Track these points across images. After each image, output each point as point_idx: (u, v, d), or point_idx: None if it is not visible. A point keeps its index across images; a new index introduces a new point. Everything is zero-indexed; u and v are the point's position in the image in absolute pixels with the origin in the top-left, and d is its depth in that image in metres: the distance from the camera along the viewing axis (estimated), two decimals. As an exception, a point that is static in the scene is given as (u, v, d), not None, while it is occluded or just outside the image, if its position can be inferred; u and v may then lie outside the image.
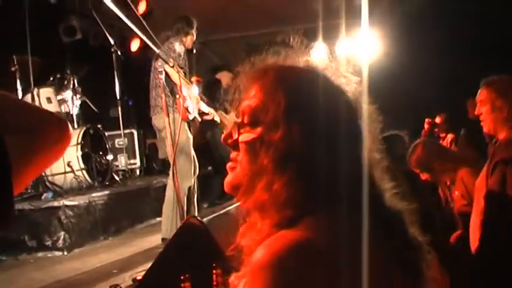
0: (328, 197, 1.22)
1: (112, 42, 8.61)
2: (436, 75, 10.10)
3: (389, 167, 1.38)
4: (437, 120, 9.15)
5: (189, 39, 6.78)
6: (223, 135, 1.42)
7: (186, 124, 6.34)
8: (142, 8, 10.17)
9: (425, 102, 10.08)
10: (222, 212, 3.27)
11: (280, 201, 1.22)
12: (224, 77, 9.47)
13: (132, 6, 4.91)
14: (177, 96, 5.97)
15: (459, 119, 8.82)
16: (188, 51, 6.83)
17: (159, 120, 6.28)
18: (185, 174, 6.24)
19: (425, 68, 9.96)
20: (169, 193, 6.21)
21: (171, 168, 5.73)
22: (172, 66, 5.22)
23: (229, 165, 1.39)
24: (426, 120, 9.08)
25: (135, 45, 10.19)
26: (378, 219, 1.23)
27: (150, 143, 11.04)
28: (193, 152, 6.58)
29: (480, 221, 3.33)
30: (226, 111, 9.18)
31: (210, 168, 10.69)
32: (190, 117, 6.41)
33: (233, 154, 1.38)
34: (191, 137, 6.50)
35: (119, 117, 9.43)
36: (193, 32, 6.88)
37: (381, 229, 1.23)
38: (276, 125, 1.28)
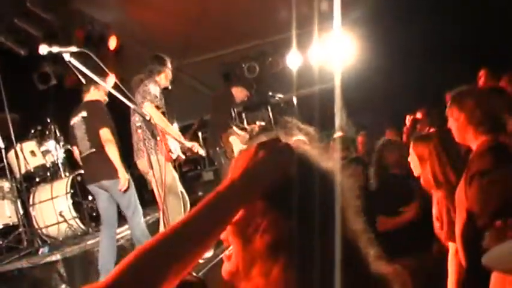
0: (322, 280, 1.28)
1: (83, 81, 8.93)
2: (411, 75, 10.43)
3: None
4: (418, 115, 9.48)
5: (163, 78, 7.07)
6: None
7: (169, 164, 6.69)
8: (113, 43, 10.54)
9: (403, 100, 10.42)
10: (217, 260, 3.47)
11: (277, 285, 1.30)
12: (239, 93, 9.71)
13: (103, 66, 5.14)
14: (158, 138, 6.30)
15: (440, 114, 9.16)
16: (165, 90, 7.18)
17: (143, 163, 6.60)
18: (176, 212, 6.59)
19: (400, 67, 10.29)
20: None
21: (160, 211, 6.06)
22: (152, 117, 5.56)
23: (225, 255, 1.44)
24: (407, 117, 9.43)
25: (110, 84, 10.51)
26: None
27: (138, 175, 11.36)
28: (180, 188, 6.97)
29: (462, 234, 3.49)
30: (239, 127, 9.58)
31: (200, 193, 11.11)
32: (174, 156, 6.75)
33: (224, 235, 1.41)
34: (176, 175, 6.87)
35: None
36: (167, 69, 7.13)
37: None
38: (262, 213, 1.34)
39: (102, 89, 6.97)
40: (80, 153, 7.01)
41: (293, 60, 12.12)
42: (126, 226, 8.34)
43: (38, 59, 9.84)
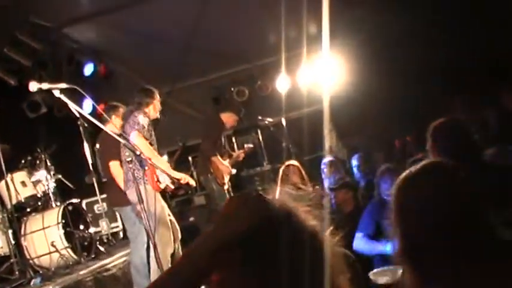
0: None
1: (77, 115, 9.14)
2: (401, 98, 10.60)
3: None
4: (408, 139, 9.66)
5: (152, 110, 7.25)
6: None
7: (159, 195, 6.89)
8: (103, 70, 10.75)
9: (393, 124, 10.59)
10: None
11: None
12: (228, 118, 9.88)
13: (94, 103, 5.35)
14: (146, 168, 6.49)
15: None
16: (154, 120, 7.39)
17: (133, 194, 6.77)
18: (166, 243, 6.78)
19: (389, 90, 10.46)
20: (153, 264, 6.72)
21: (151, 241, 6.25)
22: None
23: None
24: (396, 141, 9.61)
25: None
26: None
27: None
28: (171, 217, 7.16)
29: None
30: (225, 155, 9.74)
31: (191, 219, 11.27)
32: (162, 186, 6.92)
33: None
34: (165, 205, 7.06)
35: (94, 184, 9.96)
36: (155, 101, 7.32)
37: None
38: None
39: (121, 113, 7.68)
40: None
41: (282, 84, 12.29)
42: (118, 255, 8.51)
43: (27, 87, 10.02)
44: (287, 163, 9.04)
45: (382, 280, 4.57)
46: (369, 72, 10.73)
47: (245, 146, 10.65)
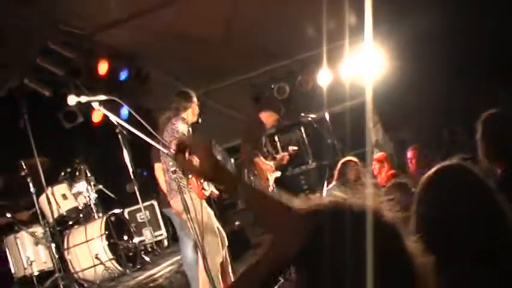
0: None
1: (115, 122, 9.11)
2: (446, 89, 10.37)
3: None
4: (457, 129, 9.37)
5: (190, 114, 7.16)
6: None
7: (204, 202, 6.78)
8: (138, 75, 10.71)
9: (440, 115, 10.36)
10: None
11: None
12: (268, 118, 9.54)
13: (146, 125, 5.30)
14: (190, 176, 6.40)
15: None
16: (193, 124, 7.29)
17: (177, 203, 6.68)
18: (215, 251, 6.67)
19: (434, 81, 10.24)
20: (202, 276, 6.59)
21: (199, 250, 6.18)
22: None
23: None
24: (444, 131, 9.30)
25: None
26: None
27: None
28: (217, 224, 7.05)
29: None
30: (266, 157, 9.56)
31: (237, 223, 11.16)
32: (207, 193, 6.82)
33: None
34: (211, 212, 6.95)
35: (136, 192, 9.94)
36: (193, 104, 7.23)
37: None
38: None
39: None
40: None
41: (323, 78, 12.11)
42: (164, 264, 8.46)
43: (63, 97, 10.03)
44: (345, 159, 8.91)
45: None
46: (413, 62, 10.51)
47: (289, 148, 10.39)
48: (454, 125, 9.57)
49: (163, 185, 7.20)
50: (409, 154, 9.08)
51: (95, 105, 5.19)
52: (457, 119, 9.58)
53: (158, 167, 7.37)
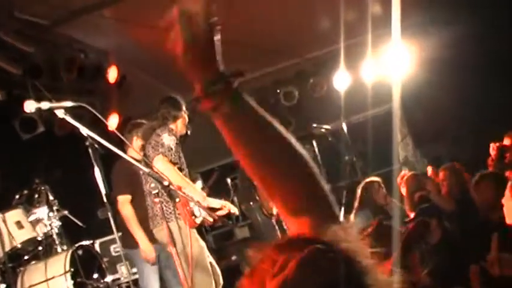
0: None
1: (85, 134, 9.04)
2: (489, 93, 10.35)
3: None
4: (506, 142, 9.30)
5: (180, 124, 7.16)
6: None
7: (195, 231, 6.71)
8: (113, 75, 10.57)
9: (482, 124, 10.33)
10: None
11: None
12: None
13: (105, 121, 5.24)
14: (177, 200, 6.32)
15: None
16: (182, 137, 7.25)
17: (160, 233, 6.62)
18: (207, 291, 6.64)
19: (475, 85, 10.22)
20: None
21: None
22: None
23: None
24: (492, 145, 9.27)
25: (113, 123, 10.52)
26: None
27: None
28: (210, 259, 6.99)
29: None
30: None
31: (233, 257, 11.09)
32: (198, 221, 6.74)
33: None
34: (204, 244, 6.88)
35: (109, 219, 9.84)
36: (183, 113, 7.25)
37: None
38: None
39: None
40: None
41: (341, 80, 12.05)
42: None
43: (19, 101, 9.93)
44: (367, 180, 8.88)
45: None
46: (447, 64, 10.49)
47: None
48: (499, 137, 9.48)
49: (130, 221, 7.47)
50: (441, 175, 9.03)
51: (59, 112, 5.15)
52: (502, 131, 9.52)
53: (124, 200, 7.61)
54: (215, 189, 11.08)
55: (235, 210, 7.34)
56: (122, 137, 6.72)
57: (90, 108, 5.42)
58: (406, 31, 10.19)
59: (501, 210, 5.10)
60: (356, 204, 8.97)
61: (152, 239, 7.26)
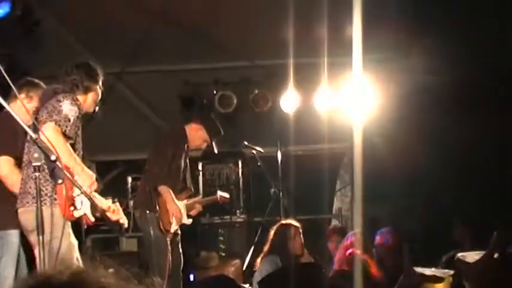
0: None
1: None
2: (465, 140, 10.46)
3: None
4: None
5: (90, 99, 6.92)
6: None
7: (69, 225, 6.46)
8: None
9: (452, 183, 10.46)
10: None
11: None
12: (195, 134, 9.59)
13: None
14: (60, 182, 5.99)
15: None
16: (88, 115, 7.06)
17: (27, 215, 6.35)
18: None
19: (447, 129, 10.32)
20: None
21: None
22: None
23: None
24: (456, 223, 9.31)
25: None
26: None
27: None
28: (79, 262, 6.75)
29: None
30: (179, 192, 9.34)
31: (110, 270, 10.90)
32: (76, 214, 6.46)
33: None
34: (75, 243, 6.61)
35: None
36: (98, 88, 7.03)
37: None
38: None
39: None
40: None
41: (289, 101, 11.91)
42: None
43: None
44: (283, 222, 8.82)
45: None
46: (415, 98, 10.57)
47: (218, 194, 10.21)
48: (479, 204, 9.56)
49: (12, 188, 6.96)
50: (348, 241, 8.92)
51: None
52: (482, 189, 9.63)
53: (5, 161, 7.11)
54: (111, 186, 10.94)
55: (125, 221, 7.14)
56: (13, 87, 6.36)
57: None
58: (369, 64, 10.14)
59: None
60: (266, 247, 8.88)
61: (10, 221, 6.92)
